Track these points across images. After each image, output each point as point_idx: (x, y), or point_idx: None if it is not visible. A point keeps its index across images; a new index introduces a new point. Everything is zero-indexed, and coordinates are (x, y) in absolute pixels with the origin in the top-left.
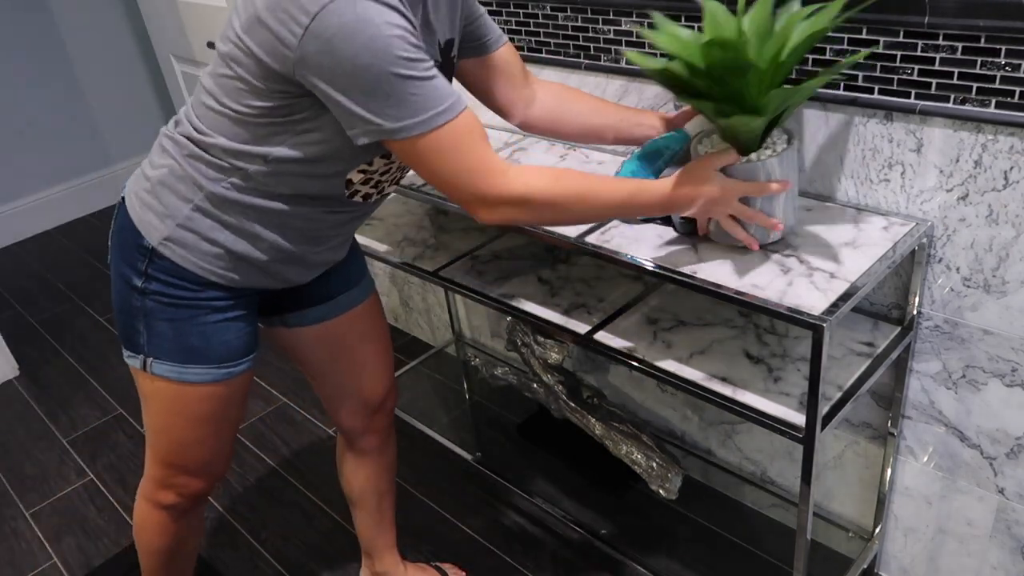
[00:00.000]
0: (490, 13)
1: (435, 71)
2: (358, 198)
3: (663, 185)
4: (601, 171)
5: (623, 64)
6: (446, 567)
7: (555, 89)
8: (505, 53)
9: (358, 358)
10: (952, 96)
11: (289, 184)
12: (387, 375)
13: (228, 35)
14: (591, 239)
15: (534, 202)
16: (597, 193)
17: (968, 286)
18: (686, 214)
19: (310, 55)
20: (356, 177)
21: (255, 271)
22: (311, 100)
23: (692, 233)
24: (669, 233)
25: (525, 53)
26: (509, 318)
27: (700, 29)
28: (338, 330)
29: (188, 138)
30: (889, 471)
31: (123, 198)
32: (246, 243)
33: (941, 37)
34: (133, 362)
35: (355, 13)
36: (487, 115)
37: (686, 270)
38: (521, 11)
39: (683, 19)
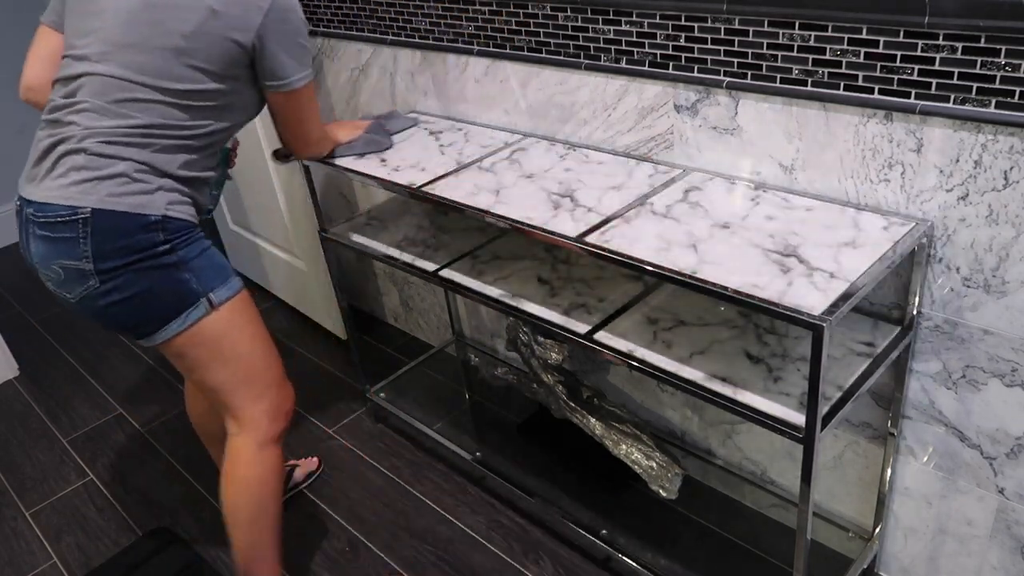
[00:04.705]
0: (490, 13)
1: None
2: None
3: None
4: (601, 171)
5: (623, 64)
6: (297, 461)
7: None
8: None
9: None
10: (952, 96)
11: (219, 140)
12: None
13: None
14: (591, 239)
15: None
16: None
17: (968, 286)
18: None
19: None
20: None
21: (203, 204)
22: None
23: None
24: (669, 233)
25: (525, 53)
26: (509, 318)
27: (698, 29)
28: None
29: (137, 128)
30: (889, 471)
31: (85, 214)
32: (197, 191)
33: (941, 37)
34: (193, 316)
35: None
36: (489, 115)
37: (686, 270)
38: (521, 11)
39: (683, 19)
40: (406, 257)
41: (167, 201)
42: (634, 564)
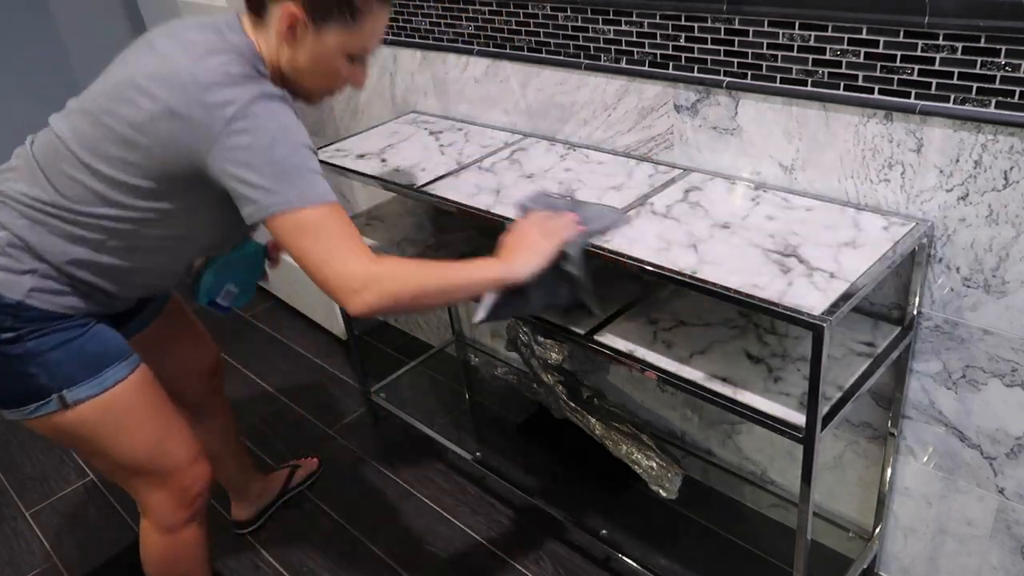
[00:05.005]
0: (490, 14)
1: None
2: None
3: (498, 264)
4: (601, 171)
5: (623, 64)
6: (299, 462)
7: None
8: None
9: (191, 335)
10: (952, 96)
11: (150, 246)
12: (212, 343)
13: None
14: (591, 239)
15: (388, 293)
16: (445, 277)
17: (968, 286)
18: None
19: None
20: None
21: (109, 302)
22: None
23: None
24: (669, 233)
25: (525, 53)
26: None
27: (698, 29)
28: (170, 317)
29: (41, 203)
30: (889, 471)
31: None
32: (103, 291)
33: (941, 37)
34: (44, 410)
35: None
36: (489, 115)
37: (686, 270)
38: (521, 11)
39: (683, 19)
40: (406, 257)
41: (31, 287)
42: (634, 564)
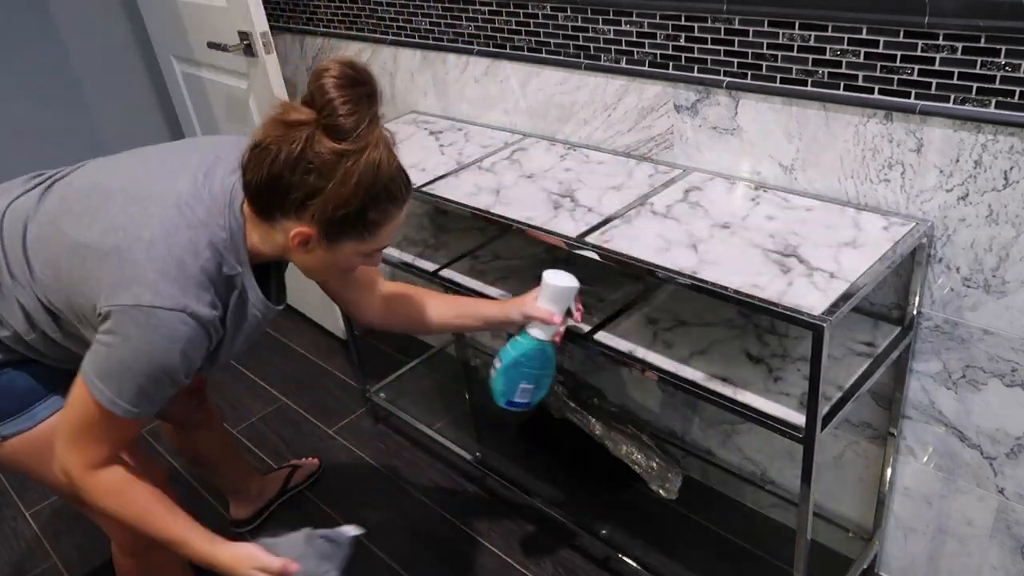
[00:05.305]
0: (490, 13)
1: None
2: None
3: (206, 550)
4: (601, 171)
5: (623, 64)
6: (299, 462)
7: (396, 293)
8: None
9: None
10: (952, 96)
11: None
12: None
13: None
14: (591, 239)
15: (90, 499)
16: (152, 523)
17: (968, 286)
18: None
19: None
20: None
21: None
22: None
23: None
24: (669, 233)
25: (525, 53)
26: None
27: (698, 29)
28: None
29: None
30: (889, 471)
31: None
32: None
33: (941, 37)
34: None
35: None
36: (489, 115)
37: (686, 270)
38: (521, 11)
39: (683, 18)
40: (406, 257)
41: None
42: (634, 564)
